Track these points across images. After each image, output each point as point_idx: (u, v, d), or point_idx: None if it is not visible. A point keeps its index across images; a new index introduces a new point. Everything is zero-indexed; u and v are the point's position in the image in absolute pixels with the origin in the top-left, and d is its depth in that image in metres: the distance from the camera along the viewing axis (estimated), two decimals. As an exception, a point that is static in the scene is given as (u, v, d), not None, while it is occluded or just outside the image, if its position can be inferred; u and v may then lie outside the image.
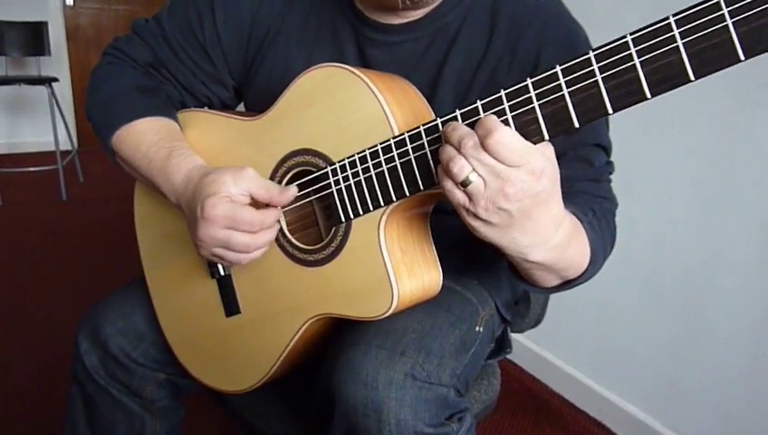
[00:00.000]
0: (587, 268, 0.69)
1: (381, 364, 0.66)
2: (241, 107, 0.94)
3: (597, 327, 1.67)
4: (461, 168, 0.53)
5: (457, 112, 0.57)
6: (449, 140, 0.55)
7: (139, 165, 0.79)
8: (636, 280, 1.52)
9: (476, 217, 0.55)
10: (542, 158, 0.53)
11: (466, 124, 0.55)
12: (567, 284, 0.71)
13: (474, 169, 0.53)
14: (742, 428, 1.33)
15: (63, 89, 4.65)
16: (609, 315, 1.62)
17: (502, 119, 0.54)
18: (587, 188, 0.75)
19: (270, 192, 0.70)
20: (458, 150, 0.53)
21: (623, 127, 1.45)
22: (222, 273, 0.81)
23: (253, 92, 0.88)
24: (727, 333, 1.33)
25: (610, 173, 0.80)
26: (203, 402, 1.06)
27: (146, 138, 0.79)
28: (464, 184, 0.54)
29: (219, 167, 0.73)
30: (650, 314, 1.50)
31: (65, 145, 4.02)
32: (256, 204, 0.71)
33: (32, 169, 3.68)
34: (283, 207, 0.73)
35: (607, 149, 0.79)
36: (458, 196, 0.55)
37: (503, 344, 0.97)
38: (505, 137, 0.51)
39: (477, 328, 0.80)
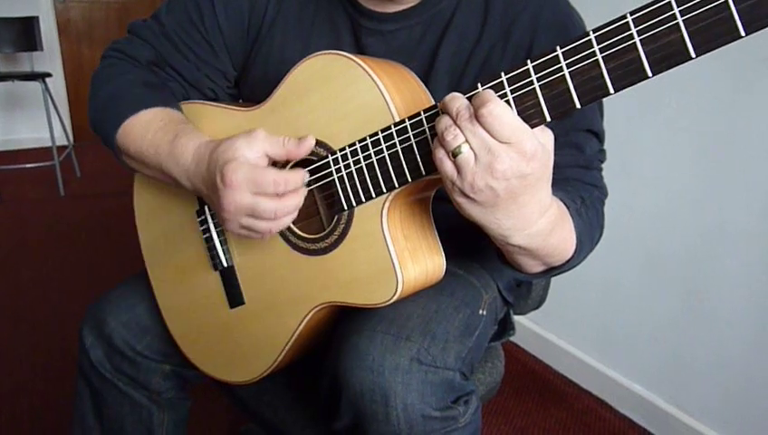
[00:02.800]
0: (572, 256, 0.69)
1: (387, 350, 0.66)
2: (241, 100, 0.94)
3: (599, 307, 1.68)
4: (455, 136, 0.53)
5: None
6: (447, 109, 0.55)
7: (146, 155, 0.77)
8: (637, 259, 1.53)
9: (462, 192, 0.55)
10: (536, 141, 0.53)
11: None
12: (551, 270, 0.71)
13: (467, 141, 0.53)
14: (744, 404, 1.34)
15: (57, 84, 4.63)
16: (611, 295, 1.63)
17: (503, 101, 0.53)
18: (576, 174, 0.75)
19: (286, 147, 0.68)
20: (454, 120, 0.53)
21: (620, 107, 1.45)
22: (225, 264, 0.81)
23: (249, 82, 0.88)
24: (729, 311, 1.34)
25: (602, 161, 0.80)
26: (210, 393, 1.07)
27: (151, 126, 0.77)
28: (454, 154, 0.53)
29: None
30: (652, 292, 1.51)
31: (61, 140, 4.01)
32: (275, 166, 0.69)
33: (28, 165, 3.66)
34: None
35: (599, 136, 0.79)
36: (448, 167, 0.55)
37: (506, 327, 0.98)
38: (498, 108, 0.51)
39: (481, 311, 0.80)
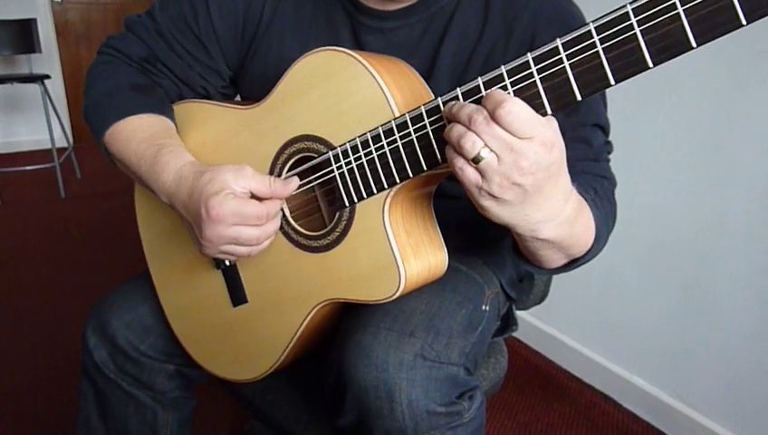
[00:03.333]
0: (592, 246, 0.69)
1: (391, 346, 0.66)
2: (237, 98, 0.94)
3: (601, 301, 1.68)
4: (473, 143, 0.52)
5: (458, 91, 0.56)
6: (458, 118, 0.54)
7: (129, 163, 0.78)
8: (638, 253, 1.53)
9: (490, 194, 0.54)
10: (551, 130, 0.53)
11: (469, 102, 0.55)
12: (572, 263, 0.71)
13: (486, 145, 0.52)
14: (748, 396, 1.34)
15: (56, 85, 4.63)
16: (613, 289, 1.63)
17: None
18: (587, 167, 0.75)
19: (272, 188, 0.69)
20: (468, 127, 0.53)
21: (620, 100, 1.45)
22: (227, 263, 0.81)
23: (248, 81, 0.87)
24: (731, 303, 1.34)
25: (609, 153, 0.80)
26: (214, 392, 1.07)
27: (136, 135, 0.78)
28: (475, 160, 0.52)
29: (211, 163, 0.72)
30: (653, 286, 1.51)
31: (61, 142, 4.01)
32: (256, 198, 0.70)
33: (29, 167, 3.66)
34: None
35: (605, 129, 0.79)
36: (470, 174, 0.54)
37: (508, 322, 0.98)
38: (516, 107, 0.51)
39: (484, 307, 0.80)
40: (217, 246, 0.70)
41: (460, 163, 0.54)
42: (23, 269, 2.53)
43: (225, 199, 0.67)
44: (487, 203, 0.55)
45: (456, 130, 0.54)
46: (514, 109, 0.50)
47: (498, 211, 0.56)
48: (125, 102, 0.81)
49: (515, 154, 0.51)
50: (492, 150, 0.52)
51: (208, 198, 0.67)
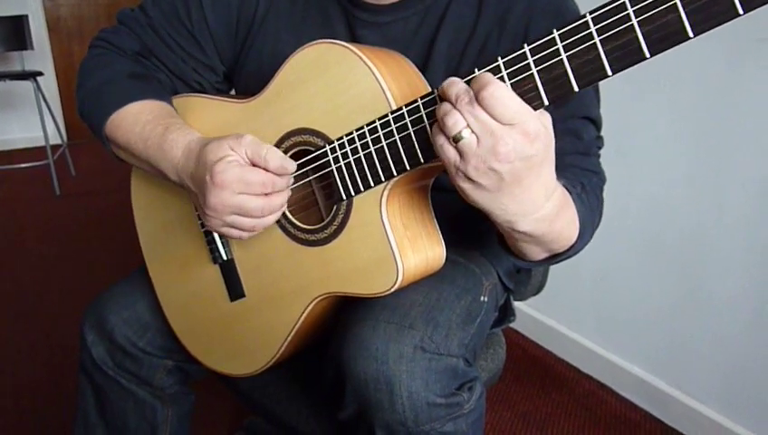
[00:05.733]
0: (575, 242, 0.68)
1: (390, 339, 0.66)
2: (232, 93, 0.93)
3: (598, 292, 1.68)
4: (455, 122, 0.52)
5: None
6: (445, 95, 0.54)
7: (135, 147, 0.77)
8: (634, 242, 1.53)
9: (466, 177, 0.54)
10: (538, 122, 0.52)
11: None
12: (554, 257, 0.71)
13: (468, 126, 0.52)
14: (745, 384, 1.35)
15: (49, 82, 4.60)
16: (610, 279, 1.63)
17: None
18: (575, 161, 0.75)
19: (265, 159, 0.68)
20: (453, 105, 0.53)
21: (615, 92, 1.45)
22: (224, 257, 0.81)
23: (244, 77, 0.87)
24: (727, 292, 1.34)
25: (599, 148, 0.80)
26: (213, 386, 1.07)
27: (140, 118, 0.77)
28: (455, 139, 0.53)
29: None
30: (650, 275, 1.51)
31: (55, 139, 3.99)
32: None
33: (23, 165, 3.65)
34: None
35: (596, 123, 0.79)
36: (450, 152, 0.54)
37: (506, 313, 0.98)
38: (499, 91, 0.50)
39: (482, 298, 0.81)
40: (222, 215, 0.69)
41: (441, 140, 0.54)
42: (19, 267, 2.52)
43: (230, 166, 0.66)
44: (464, 185, 0.55)
45: (442, 107, 0.54)
46: (497, 93, 0.50)
47: (473, 195, 0.56)
48: (125, 90, 0.80)
49: (494, 139, 0.51)
50: (473, 132, 0.52)
51: (213, 165, 0.67)
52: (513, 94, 0.51)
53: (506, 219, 0.58)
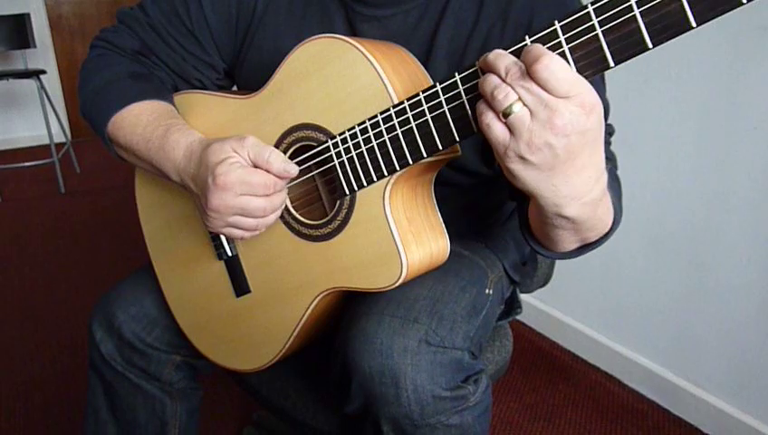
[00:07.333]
0: (608, 231, 0.67)
1: (395, 333, 0.66)
2: (234, 89, 0.93)
3: (604, 283, 1.68)
4: (506, 95, 0.49)
5: (457, 76, 0.56)
6: (493, 68, 0.50)
7: (137, 148, 0.78)
8: (641, 232, 1.53)
9: (518, 155, 0.50)
10: (593, 93, 0.49)
11: (469, 86, 0.54)
12: (583, 248, 0.69)
13: (519, 99, 0.49)
14: (752, 374, 1.34)
15: (52, 80, 4.61)
16: (616, 270, 1.63)
17: None
18: None
19: (268, 162, 0.68)
20: (503, 79, 0.49)
21: (620, 81, 1.44)
22: (229, 254, 0.81)
23: (245, 73, 0.87)
24: (734, 282, 1.34)
25: (611, 134, 0.80)
26: (222, 381, 1.08)
27: (141, 119, 0.78)
28: (505, 114, 0.49)
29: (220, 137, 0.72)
30: (657, 266, 1.51)
31: (59, 137, 4.00)
32: None
33: (28, 163, 3.66)
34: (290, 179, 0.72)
35: (606, 110, 0.78)
36: (498, 130, 0.50)
37: (512, 305, 0.98)
38: (554, 63, 0.47)
39: (487, 291, 0.81)
40: (224, 216, 0.69)
41: (488, 118, 0.51)
42: (25, 265, 2.54)
43: (232, 167, 0.67)
44: (513, 166, 0.52)
45: (489, 81, 0.50)
46: (552, 65, 0.47)
47: (524, 175, 0.52)
48: (126, 90, 0.80)
49: (549, 111, 0.48)
50: (525, 105, 0.49)
51: (215, 166, 0.67)
52: (567, 66, 0.48)
53: (555, 202, 0.55)
